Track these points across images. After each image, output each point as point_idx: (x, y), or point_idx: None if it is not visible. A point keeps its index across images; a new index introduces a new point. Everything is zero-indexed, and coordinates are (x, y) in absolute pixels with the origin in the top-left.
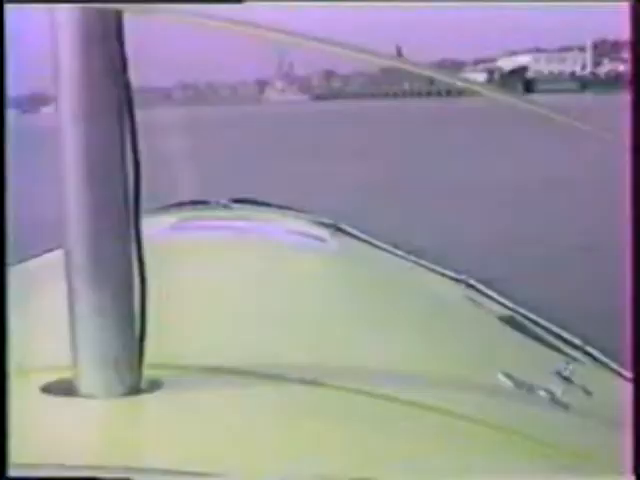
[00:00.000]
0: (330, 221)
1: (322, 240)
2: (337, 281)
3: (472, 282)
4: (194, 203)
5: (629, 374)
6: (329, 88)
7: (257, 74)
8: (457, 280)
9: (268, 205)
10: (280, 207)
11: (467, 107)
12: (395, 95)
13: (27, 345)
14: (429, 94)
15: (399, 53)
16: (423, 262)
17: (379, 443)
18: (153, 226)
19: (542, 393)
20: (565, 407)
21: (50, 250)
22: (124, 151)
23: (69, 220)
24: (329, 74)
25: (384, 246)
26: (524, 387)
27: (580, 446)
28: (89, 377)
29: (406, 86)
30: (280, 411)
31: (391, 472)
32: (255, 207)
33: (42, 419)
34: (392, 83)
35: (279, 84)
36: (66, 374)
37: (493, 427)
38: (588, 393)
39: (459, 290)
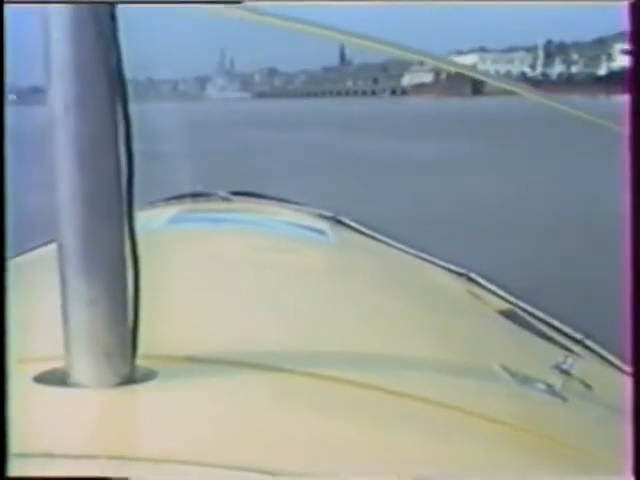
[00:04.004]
0: (330, 214)
1: (321, 232)
2: (336, 273)
3: (473, 276)
4: (194, 196)
5: (629, 369)
6: (271, 86)
7: (198, 71)
8: (458, 274)
9: (267, 198)
10: (279, 200)
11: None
12: (339, 94)
13: (20, 335)
14: (374, 93)
15: (342, 53)
16: (424, 255)
17: (379, 435)
18: (153, 218)
19: (540, 386)
20: (563, 400)
21: (45, 244)
22: (117, 142)
23: (61, 211)
24: (272, 72)
25: (384, 239)
26: (521, 379)
27: (578, 439)
28: (82, 367)
29: (350, 85)
30: (276, 402)
31: (391, 465)
32: (254, 200)
33: (35, 408)
34: (335, 81)
35: (220, 81)
36: (59, 364)
37: (488, 419)
38: (587, 386)
39: (460, 284)
